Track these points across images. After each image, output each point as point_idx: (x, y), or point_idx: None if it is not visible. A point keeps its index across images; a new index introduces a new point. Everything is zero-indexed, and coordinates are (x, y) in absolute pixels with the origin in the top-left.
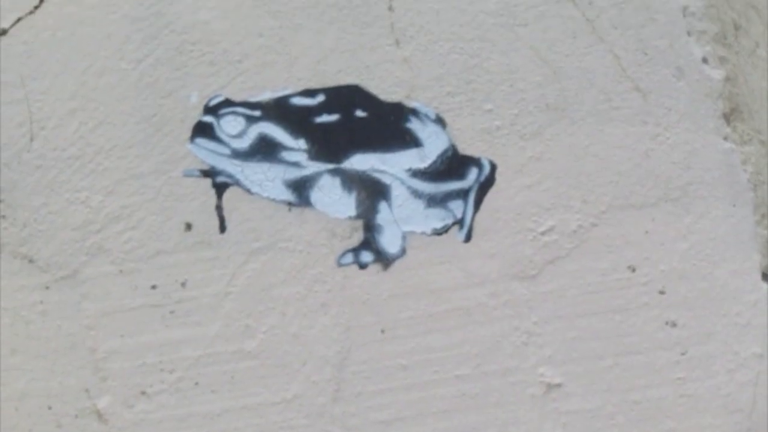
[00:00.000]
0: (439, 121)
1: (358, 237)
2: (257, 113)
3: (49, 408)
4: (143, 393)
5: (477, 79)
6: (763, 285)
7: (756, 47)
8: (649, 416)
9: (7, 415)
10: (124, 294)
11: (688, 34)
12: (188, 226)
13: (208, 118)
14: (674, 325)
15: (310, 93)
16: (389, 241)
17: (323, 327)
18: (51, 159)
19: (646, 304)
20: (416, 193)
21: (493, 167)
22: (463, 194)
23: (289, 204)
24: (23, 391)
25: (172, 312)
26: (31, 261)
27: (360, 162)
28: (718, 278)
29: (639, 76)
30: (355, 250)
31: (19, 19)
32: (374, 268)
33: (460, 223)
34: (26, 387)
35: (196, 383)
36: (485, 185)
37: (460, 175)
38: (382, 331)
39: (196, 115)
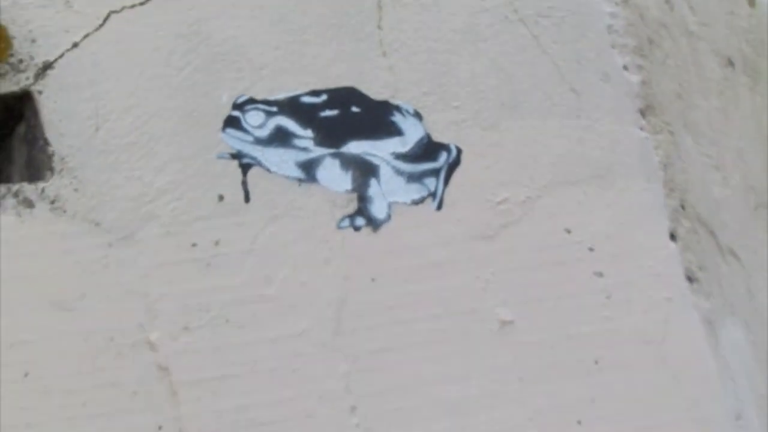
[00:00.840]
0: (417, 115)
1: (353, 206)
2: (274, 109)
3: (111, 339)
4: (185, 328)
5: (447, 82)
6: (671, 243)
7: (666, 58)
8: (582, 347)
9: (76, 346)
10: (171, 251)
11: (612, 47)
12: (221, 198)
13: (236, 113)
14: (601, 275)
15: (315, 93)
16: (378, 209)
17: (326, 277)
18: (113, 145)
19: (579, 259)
20: (399, 172)
21: (459, 151)
22: (435, 173)
23: (299, 180)
24: (90, 328)
25: (208, 265)
26: (97, 224)
27: (355, 147)
28: (635, 238)
29: (574, 80)
30: (351, 216)
31: (87, 35)
32: (366, 231)
33: (433, 195)
34: (92, 324)
35: (227, 320)
36: (453, 165)
37: (434, 158)
38: (373, 280)
39: (227, 111)
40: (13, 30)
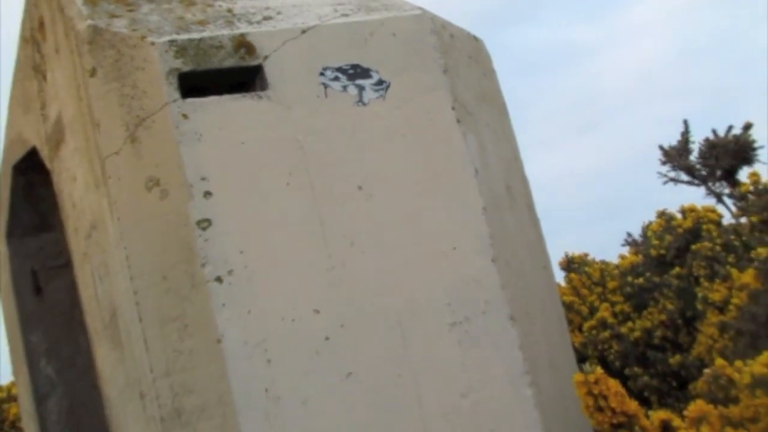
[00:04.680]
0: (377, 72)
1: (358, 97)
2: (333, 69)
3: (295, 122)
4: (311, 132)
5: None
6: (453, 111)
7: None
8: (409, 137)
9: (275, 143)
10: (305, 112)
11: (435, 51)
12: (317, 96)
13: (322, 71)
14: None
15: (347, 65)
16: (366, 99)
17: (351, 121)
18: (285, 78)
19: (423, 105)
20: (372, 89)
21: (389, 83)
22: (384, 89)
23: (342, 90)
24: (281, 138)
25: (317, 110)
26: (280, 103)
27: (359, 81)
28: (439, 103)
29: (420, 60)
30: (357, 101)
31: (277, 48)
32: (362, 105)
33: (383, 96)
34: (285, 136)
35: (324, 125)
36: (387, 86)
37: (382, 84)
38: (360, 122)
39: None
40: (257, 44)
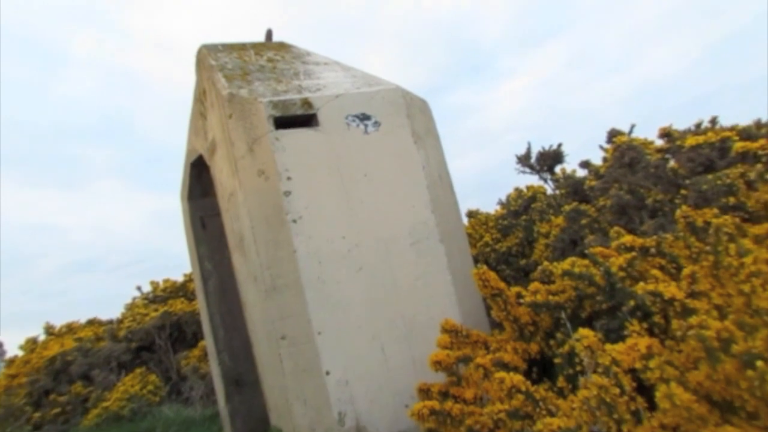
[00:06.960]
0: (373, 116)
1: (365, 131)
2: (350, 116)
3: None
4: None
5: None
6: (407, 119)
7: (410, 101)
8: (377, 148)
9: (320, 153)
10: (339, 135)
11: (402, 103)
12: (345, 126)
13: (347, 116)
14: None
15: (359, 112)
16: (370, 130)
17: (360, 142)
18: (328, 117)
19: (386, 118)
20: (372, 126)
21: (380, 123)
22: (379, 127)
23: (357, 125)
24: (332, 150)
25: (344, 124)
26: (323, 132)
27: (363, 122)
28: (400, 129)
29: (395, 107)
30: (363, 132)
31: (320, 107)
32: (366, 135)
33: (377, 130)
34: (335, 145)
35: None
36: (378, 125)
37: (378, 123)
38: (365, 143)
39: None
40: (313, 103)
